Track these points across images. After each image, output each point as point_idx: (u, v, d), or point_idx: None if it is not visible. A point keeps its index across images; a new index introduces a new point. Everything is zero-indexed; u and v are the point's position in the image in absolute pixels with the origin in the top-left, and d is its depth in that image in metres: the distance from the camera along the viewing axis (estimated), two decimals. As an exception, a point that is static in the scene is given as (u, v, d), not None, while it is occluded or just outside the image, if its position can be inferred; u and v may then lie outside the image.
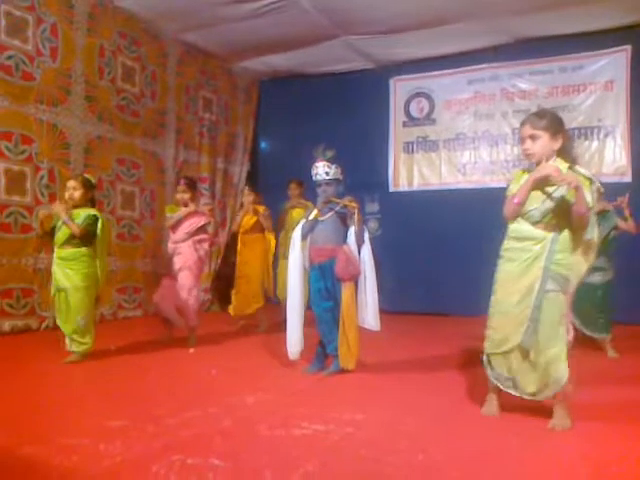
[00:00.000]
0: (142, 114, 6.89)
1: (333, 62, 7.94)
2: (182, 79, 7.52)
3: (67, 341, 4.10)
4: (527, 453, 2.38)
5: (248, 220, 5.88)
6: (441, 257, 7.34)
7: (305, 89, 8.37)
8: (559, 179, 2.59)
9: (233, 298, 5.90)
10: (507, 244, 2.81)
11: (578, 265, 2.74)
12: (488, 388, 2.93)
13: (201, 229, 4.98)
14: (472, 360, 4.29)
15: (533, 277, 2.69)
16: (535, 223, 2.72)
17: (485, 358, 2.89)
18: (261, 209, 5.84)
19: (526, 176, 2.77)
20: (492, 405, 2.89)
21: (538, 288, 2.68)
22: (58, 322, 4.15)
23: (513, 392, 2.80)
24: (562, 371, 2.65)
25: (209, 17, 6.62)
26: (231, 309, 5.89)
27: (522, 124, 2.79)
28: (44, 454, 2.27)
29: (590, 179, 2.68)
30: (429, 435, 2.60)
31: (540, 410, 2.79)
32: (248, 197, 5.92)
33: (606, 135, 6.96)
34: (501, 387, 2.84)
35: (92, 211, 4.15)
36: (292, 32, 6.93)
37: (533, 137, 2.72)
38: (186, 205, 4.95)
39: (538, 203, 2.69)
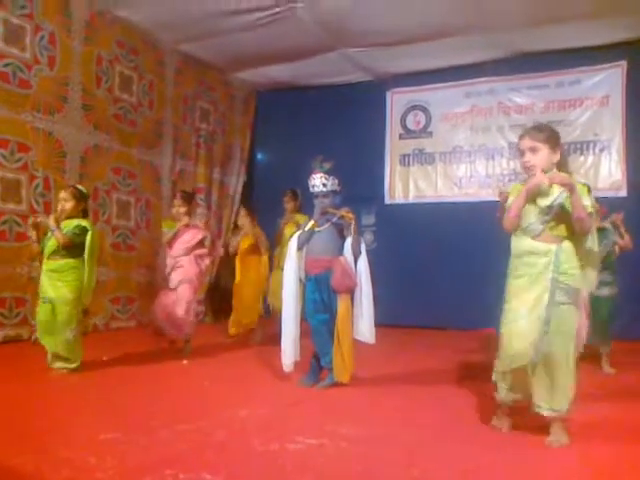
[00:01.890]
0: (139, 124, 6.88)
1: (330, 74, 7.97)
2: (179, 89, 7.53)
3: (49, 357, 3.99)
4: (523, 469, 2.36)
5: (244, 242, 5.85)
6: (437, 270, 7.33)
7: (302, 101, 8.39)
8: (552, 182, 2.60)
9: (231, 318, 5.94)
10: (513, 263, 2.79)
11: (586, 276, 2.72)
12: (498, 405, 2.89)
13: (200, 243, 4.97)
14: (468, 374, 4.27)
15: (542, 289, 2.65)
16: (536, 236, 2.70)
17: (495, 376, 2.83)
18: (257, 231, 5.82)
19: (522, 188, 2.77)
20: (502, 418, 2.86)
21: (548, 300, 2.63)
22: (39, 335, 4.04)
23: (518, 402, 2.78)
24: (569, 392, 2.62)
25: (207, 28, 6.64)
26: (230, 328, 5.93)
27: (521, 137, 2.77)
28: (34, 467, 2.23)
29: (588, 186, 2.69)
30: (424, 450, 2.58)
31: (538, 427, 2.76)
32: (244, 218, 5.85)
33: (602, 150, 7.00)
34: (510, 404, 2.81)
35: (83, 222, 4.06)
36: (290, 44, 6.95)
37: (533, 149, 2.70)
38: (181, 219, 4.94)
39: (536, 216, 2.69)
